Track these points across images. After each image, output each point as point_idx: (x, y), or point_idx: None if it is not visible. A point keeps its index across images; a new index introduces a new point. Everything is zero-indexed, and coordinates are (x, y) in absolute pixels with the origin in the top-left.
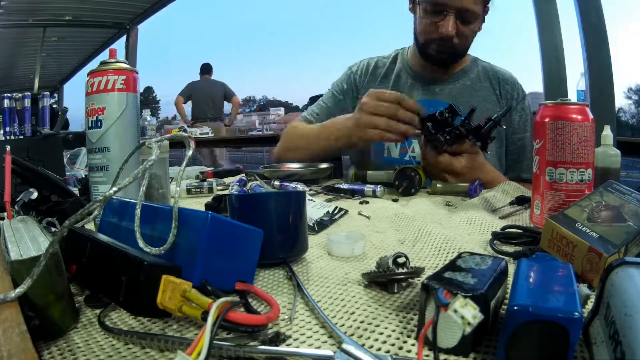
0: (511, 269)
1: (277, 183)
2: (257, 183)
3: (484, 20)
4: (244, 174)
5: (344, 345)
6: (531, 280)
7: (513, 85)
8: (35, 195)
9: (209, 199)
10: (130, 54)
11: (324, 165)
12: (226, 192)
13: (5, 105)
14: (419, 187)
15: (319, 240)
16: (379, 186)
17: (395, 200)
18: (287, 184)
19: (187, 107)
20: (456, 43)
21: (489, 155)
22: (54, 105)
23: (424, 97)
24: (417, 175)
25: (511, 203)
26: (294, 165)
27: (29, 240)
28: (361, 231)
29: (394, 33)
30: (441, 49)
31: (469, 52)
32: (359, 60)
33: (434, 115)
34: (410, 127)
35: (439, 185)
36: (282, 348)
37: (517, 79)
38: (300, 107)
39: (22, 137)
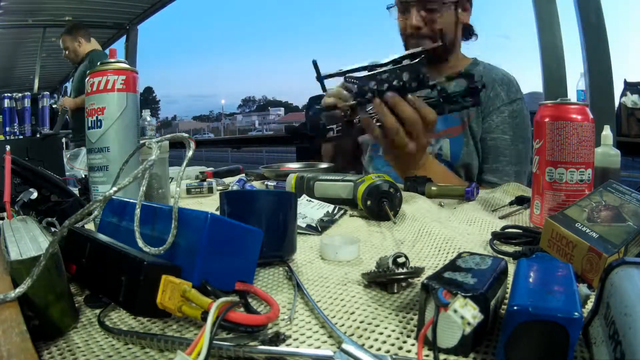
0: (511, 269)
1: (271, 184)
2: (250, 183)
3: (465, 10)
4: (243, 174)
5: (344, 345)
6: (531, 280)
7: (505, 86)
8: (35, 195)
9: (209, 198)
10: (130, 54)
11: (323, 165)
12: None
13: (5, 105)
14: (399, 207)
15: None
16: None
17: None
18: (283, 184)
19: None
20: (427, 34)
21: (471, 149)
22: (54, 106)
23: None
24: (397, 192)
25: (511, 203)
26: (293, 166)
27: (29, 240)
28: (361, 231)
29: (396, 34)
30: (417, 43)
31: (471, 55)
32: None
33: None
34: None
35: (433, 188)
36: (282, 348)
37: (514, 80)
38: (300, 107)
39: (22, 137)
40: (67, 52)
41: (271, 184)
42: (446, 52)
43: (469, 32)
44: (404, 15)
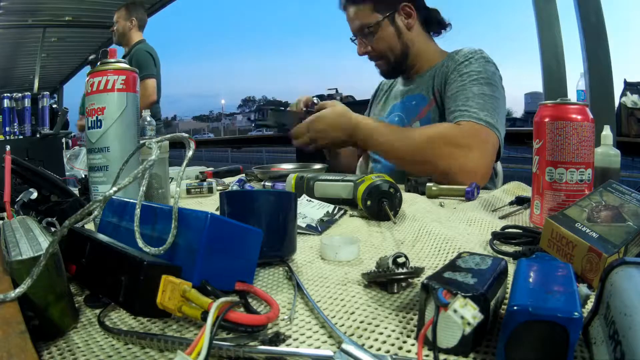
0: (511, 269)
1: (268, 184)
2: (250, 183)
3: (408, 15)
4: (243, 174)
5: (344, 345)
6: (531, 280)
7: (463, 52)
8: (35, 195)
9: (209, 198)
10: None
11: (317, 166)
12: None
13: (5, 105)
14: (399, 207)
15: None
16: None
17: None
18: (280, 185)
19: None
20: (375, 56)
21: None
22: (54, 106)
23: (409, 94)
24: (397, 192)
25: (511, 203)
26: (287, 166)
27: (29, 240)
28: (361, 231)
29: None
30: (377, 65)
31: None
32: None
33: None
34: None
35: (434, 188)
36: (282, 348)
37: (476, 48)
38: None
39: (22, 137)
40: (116, 27)
41: (269, 184)
42: (400, 63)
43: (438, 26)
44: None
